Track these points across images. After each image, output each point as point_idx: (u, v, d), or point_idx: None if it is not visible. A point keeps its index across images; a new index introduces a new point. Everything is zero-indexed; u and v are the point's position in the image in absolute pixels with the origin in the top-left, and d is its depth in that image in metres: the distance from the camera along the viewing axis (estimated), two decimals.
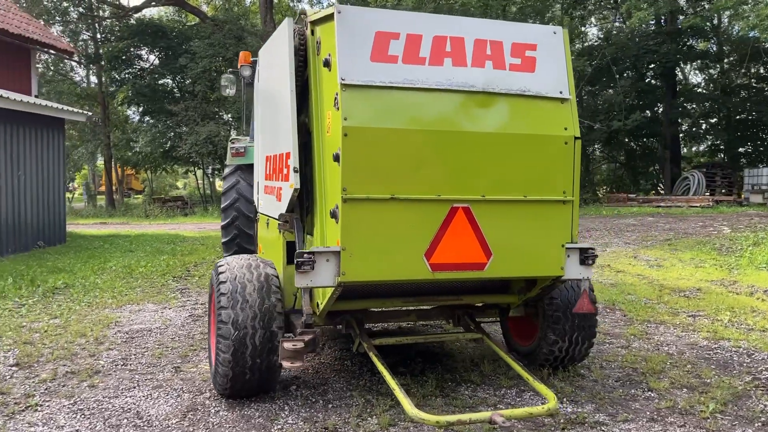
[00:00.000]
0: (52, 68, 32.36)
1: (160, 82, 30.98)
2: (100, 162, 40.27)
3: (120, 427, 3.77)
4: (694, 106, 29.86)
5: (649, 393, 4.43)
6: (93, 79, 34.92)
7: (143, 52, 31.31)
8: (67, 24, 30.43)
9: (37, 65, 19.78)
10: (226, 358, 3.97)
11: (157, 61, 31.16)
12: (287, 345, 3.78)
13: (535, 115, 4.04)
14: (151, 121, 29.69)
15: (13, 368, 4.82)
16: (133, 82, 29.67)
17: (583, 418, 3.92)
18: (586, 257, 4.13)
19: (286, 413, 3.99)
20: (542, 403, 3.88)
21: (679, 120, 29.59)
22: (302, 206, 4.50)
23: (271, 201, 4.93)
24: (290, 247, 4.53)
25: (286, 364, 3.77)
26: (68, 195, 36.52)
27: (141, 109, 30.89)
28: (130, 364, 4.94)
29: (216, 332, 4.07)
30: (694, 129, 31.31)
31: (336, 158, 3.67)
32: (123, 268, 9.98)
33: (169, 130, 28.23)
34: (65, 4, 29.26)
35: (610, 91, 28.40)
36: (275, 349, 4.01)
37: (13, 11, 16.80)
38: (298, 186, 4.12)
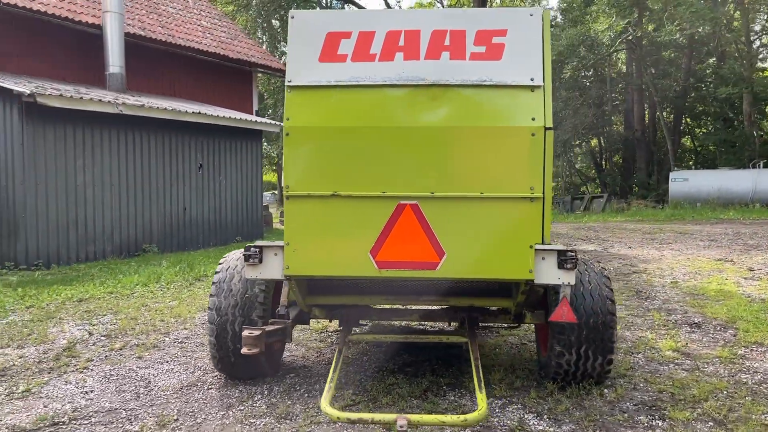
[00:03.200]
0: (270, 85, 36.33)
1: None
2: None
3: (125, 393, 4.39)
4: None
5: (659, 422, 3.80)
6: None
7: None
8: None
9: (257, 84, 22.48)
10: (211, 341, 4.38)
11: None
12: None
13: (497, 105, 3.77)
14: None
15: (102, 338, 5.81)
16: None
17: None
18: (565, 260, 3.72)
19: (258, 397, 4.26)
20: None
21: None
22: None
23: None
24: None
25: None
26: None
27: None
28: (184, 344, 5.62)
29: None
30: None
31: None
32: None
33: None
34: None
35: None
36: (277, 333, 4.28)
37: (239, 39, 19.47)
38: None
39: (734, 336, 5.68)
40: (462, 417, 3.33)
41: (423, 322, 5.82)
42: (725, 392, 4.28)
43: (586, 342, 4.18)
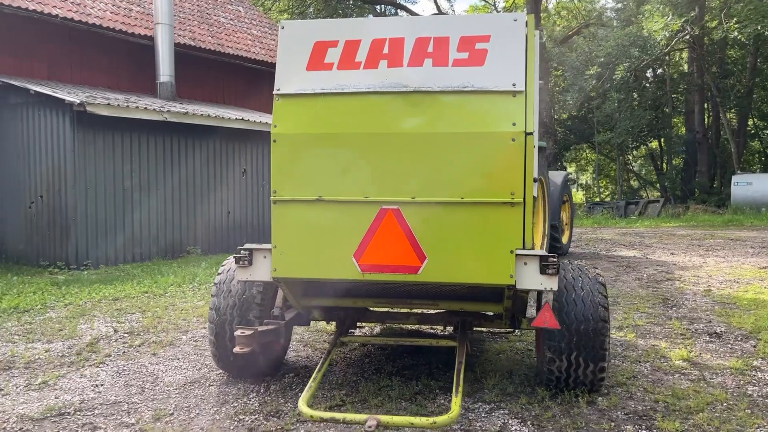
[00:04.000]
0: None
1: None
2: None
3: (132, 387, 4.63)
4: None
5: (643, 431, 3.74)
6: None
7: None
8: None
9: None
10: (211, 340, 4.56)
11: None
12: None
13: (478, 111, 3.81)
14: None
15: (125, 335, 6.11)
16: None
17: None
18: (546, 266, 3.71)
19: (253, 395, 4.41)
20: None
21: None
22: None
23: None
24: None
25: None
26: None
27: None
28: (199, 342, 5.85)
29: None
30: None
31: None
32: None
33: None
34: None
35: None
36: (270, 333, 4.43)
37: None
38: None
39: (754, 347, 5.47)
40: (431, 419, 3.37)
41: (417, 325, 5.86)
42: (725, 404, 4.15)
43: (576, 349, 4.14)
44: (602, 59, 20.28)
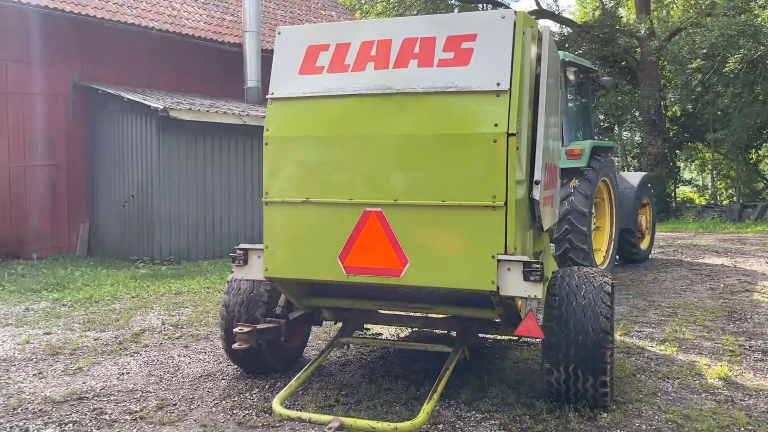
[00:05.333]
0: None
1: None
2: None
3: (152, 377, 4.90)
4: None
5: None
6: None
7: None
8: None
9: None
10: (221, 335, 4.75)
11: None
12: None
13: (460, 112, 3.72)
14: None
15: (170, 327, 6.47)
16: None
17: None
18: (530, 272, 3.56)
19: (256, 391, 4.54)
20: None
21: None
22: None
23: None
24: None
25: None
26: None
27: None
28: None
29: None
30: None
31: None
32: None
33: None
34: None
35: None
36: (269, 331, 4.57)
37: None
38: None
39: None
40: (393, 425, 3.33)
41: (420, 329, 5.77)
42: (741, 428, 3.78)
43: (574, 360, 3.92)
44: (705, 51, 18.75)
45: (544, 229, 4.52)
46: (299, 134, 4.02)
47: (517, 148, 3.62)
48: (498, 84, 3.64)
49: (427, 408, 3.50)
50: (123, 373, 4.99)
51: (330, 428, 3.29)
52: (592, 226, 8.60)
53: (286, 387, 3.84)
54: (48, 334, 6.25)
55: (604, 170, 8.30)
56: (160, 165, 11.63)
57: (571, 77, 8.00)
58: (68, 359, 5.39)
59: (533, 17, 4.07)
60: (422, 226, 3.75)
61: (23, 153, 12.74)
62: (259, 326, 4.38)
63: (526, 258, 3.59)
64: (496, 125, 3.60)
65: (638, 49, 24.79)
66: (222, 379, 4.84)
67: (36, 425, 3.98)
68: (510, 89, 3.62)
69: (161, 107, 11.12)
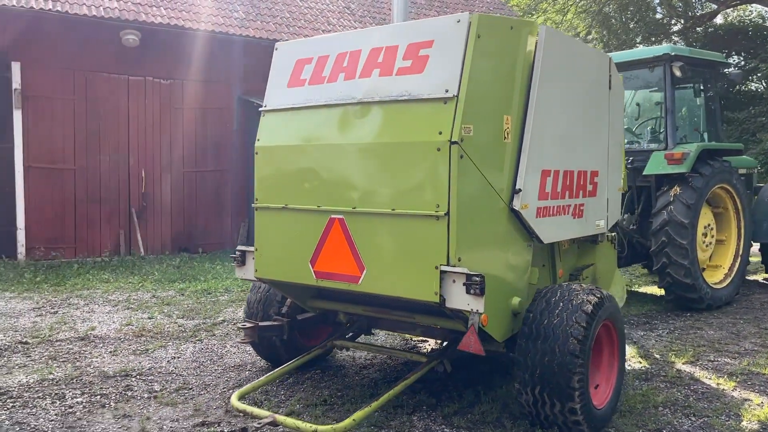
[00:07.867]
0: None
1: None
2: None
3: (195, 363, 5.46)
4: None
5: None
6: None
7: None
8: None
9: None
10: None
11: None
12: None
13: (411, 120, 3.73)
14: None
15: (200, 321, 7.05)
16: None
17: None
18: (469, 285, 3.44)
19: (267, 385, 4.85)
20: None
21: None
22: None
23: None
24: None
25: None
26: None
27: None
28: None
29: None
30: None
31: None
32: None
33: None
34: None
35: None
36: (272, 329, 4.88)
37: None
38: None
39: None
40: (313, 427, 3.43)
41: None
42: None
43: (539, 383, 3.68)
44: (758, 41, 15.20)
45: (544, 242, 4.23)
46: (281, 144, 4.28)
47: (461, 157, 3.49)
48: (446, 91, 3.56)
49: (356, 415, 3.54)
50: (175, 357, 5.62)
51: (259, 423, 3.48)
52: (713, 239, 7.66)
53: (252, 383, 4.10)
54: (150, 318, 7.17)
55: (721, 176, 7.32)
56: None
57: (678, 73, 7.20)
58: (147, 341, 6.17)
59: (532, 19, 3.81)
60: (376, 234, 3.79)
61: (195, 160, 14.55)
62: (261, 323, 4.69)
63: (466, 270, 3.46)
64: (440, 133, 3.52)
65: None
66: (247, 370, 5.24)
67: (73, 393, 4.69)
68: (458, 96, 3.52)
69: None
